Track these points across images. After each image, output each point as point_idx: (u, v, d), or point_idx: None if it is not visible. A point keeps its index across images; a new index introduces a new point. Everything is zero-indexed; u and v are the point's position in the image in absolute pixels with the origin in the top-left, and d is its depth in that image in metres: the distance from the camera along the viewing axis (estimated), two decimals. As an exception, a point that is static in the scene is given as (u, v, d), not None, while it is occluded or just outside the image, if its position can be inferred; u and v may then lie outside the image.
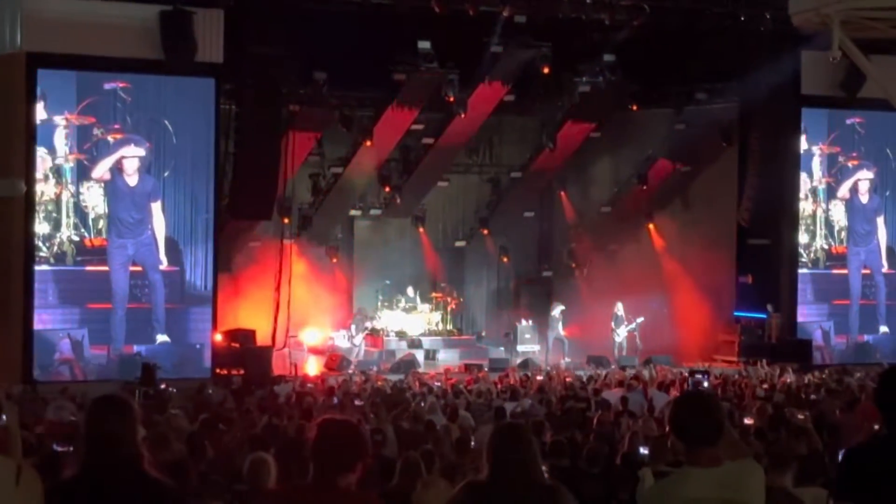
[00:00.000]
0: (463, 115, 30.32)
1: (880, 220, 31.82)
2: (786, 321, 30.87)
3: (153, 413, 16.12)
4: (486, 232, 34.68)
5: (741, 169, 31.63)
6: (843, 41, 15.79)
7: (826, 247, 31.42)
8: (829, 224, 31.47)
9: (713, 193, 32.76)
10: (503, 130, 34.46)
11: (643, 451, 11.90)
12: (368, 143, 30.52)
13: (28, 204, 24.69)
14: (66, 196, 25.38)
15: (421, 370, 27.49)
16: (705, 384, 19.59)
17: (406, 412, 16.49)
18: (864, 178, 31.62)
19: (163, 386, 22.33)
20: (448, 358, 30.49)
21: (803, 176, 31.12)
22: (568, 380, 23.81)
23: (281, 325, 29.45)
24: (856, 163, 31.53)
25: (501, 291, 35.51)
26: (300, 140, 29.27)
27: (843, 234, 31.61)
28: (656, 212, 34.24)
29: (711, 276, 31.98)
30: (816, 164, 31.29)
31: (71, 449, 10.62)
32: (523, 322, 32.45)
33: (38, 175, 25.08)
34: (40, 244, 25.15)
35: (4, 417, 5.53)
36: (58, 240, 25.33)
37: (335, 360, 28.88)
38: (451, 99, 29.88)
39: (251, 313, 29.00)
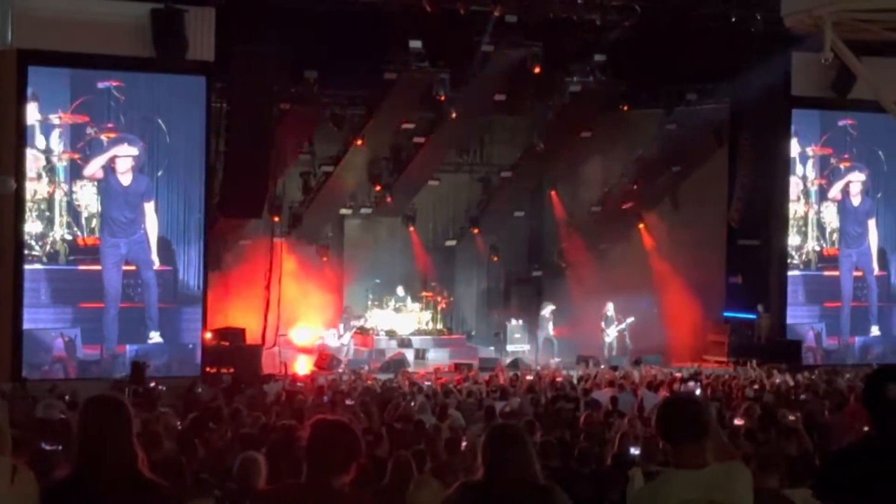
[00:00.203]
0: (454, 115, 30.29)
1: (872, 223, 31.84)
2: (775, 322, 30.91)
3: (142, 411, 16.12)
4: (476, 231, 34.67)
5: (731, 169, 31.67)
6: (835, 43, 15.81)
7: (818, 249, 31.45)
8: (820, 226, 31.50)
9: (703, 194, 32.79)
10: (494, 130, 34.46)
11: (633, 451, 11.92)
12: (359, 141, 30.50)
13: (18, 202, 24.61)
14: (59, 195, 25.32)
15: (411, 369, 27.48)
16: (697, 392, 19.64)
17: (396, 411, 16.49)
18: (855, 179, 31.65)
19: (152, 384, 22.32)
20: (438, 357, 30.47)
21: (795, 178, 31.16)
22: (558, 379, 23.82)
23: (271, 323, 29.43)
24: (848, 164, 31.56)
25: (491, 291, 35.51)
26: (291, 138, 29.25)
27: (835, 236, 31.65)
28: (646, 212, 34.27)
29: (701, 277, 32.02)
30: (808, 165, 31.32)
31: (60, 448, 10.62)
32: (513, 321, 32.45)
33: (32, 174, 25.02)
34: (33, 243, 25.08)
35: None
36: (50, 239, 25.27)
37: (325, 359, 28.86)
38: (443, 98, 29.87)
39: (241, 312, 28.97)
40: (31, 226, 25.09)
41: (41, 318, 25.20)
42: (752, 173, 30.79)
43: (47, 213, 25.29)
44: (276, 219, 30.59)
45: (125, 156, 25.69)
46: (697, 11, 28.35)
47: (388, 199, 32.73)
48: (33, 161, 25.03)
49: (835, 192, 31.56)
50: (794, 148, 30.97)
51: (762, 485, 8.85)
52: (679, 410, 5.61)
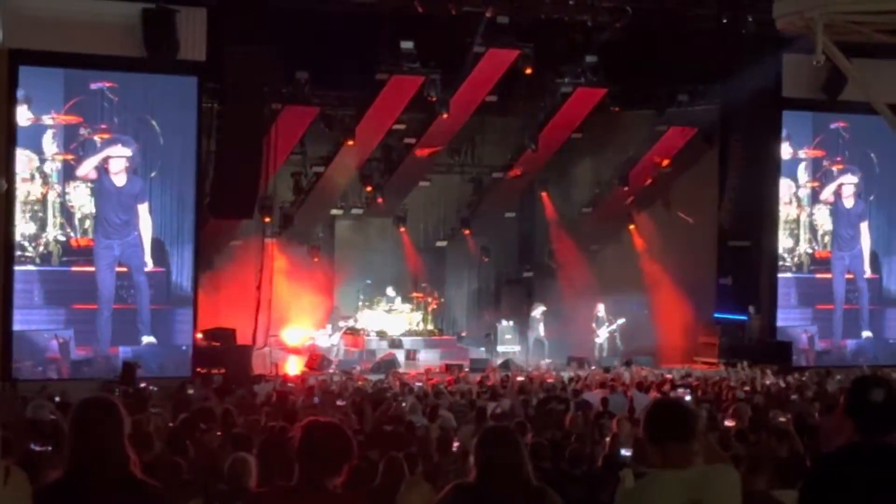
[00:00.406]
0: (445, 116, 30.29)
1: (864, 226, 31.88)
2: (766, 323, 30.95)
3: (133, 412, 16.10)
4: (467, 232, 34.66)
5: (722, 171, 31.70)
6: (827, 45, 15.82)
7: (810, 251, 31.50)
8: (813, 228, 31.54)
9: (694, 195, 32.85)
10: (485, 131, 34.45)
11: (624, 452, 11.92)
12: (350, 142, 30.45)
13: (8, 203, 24.56)
14: (52, 196, 25.31)
15: (402, 370, 27.48)
16: (688, 398, 19.63)
17: (387, 412, 16.48)
18: (848, 182, 31.69)
19: (143, 385, 22.29)
20: (429, 358, 30.45)
21: (788, 180, 31.19)
22: (549, 380, 23.83)
23: (262, 324, 29.40)
24: (840, 167, 31.61)
25: (482, 292, 35.51)
26: (282, 139, 29.19)
27: (827, 238, 31.69)
28: (637, 213, 34.31)
29: (692, 278, 32.07)
30: (801, 168, 31.36)
31: (49, 448, 10.59)
32: (504, 322, 32.47)
33: (25, 175, 25.01)
34: (26, 244, 25.05)
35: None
36: (43, 240, 25.23)
37: (316, 360, 28.85)
38: (434, 99, 29.86)
39: (232, 312, 28.94)
40: (25, 227, 25.08)
41: (34, 320, 25.19)
42: (742, 175, 30.82)
43: (40, 215, 25.27)
44: (267, 219, 30.57)
45: (118, 156, 25.68)
46: (689, 13, 28.39)
47: (379, 200, 32.74)
48: (26, 162, 25.01)
49: (827, 194, 31.61)
50: (787, 151, 31.01)
51: (751, 486, 8.87)
52: (665, 412, 5.62)
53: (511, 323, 32.42)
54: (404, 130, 31.69)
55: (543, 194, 35.07)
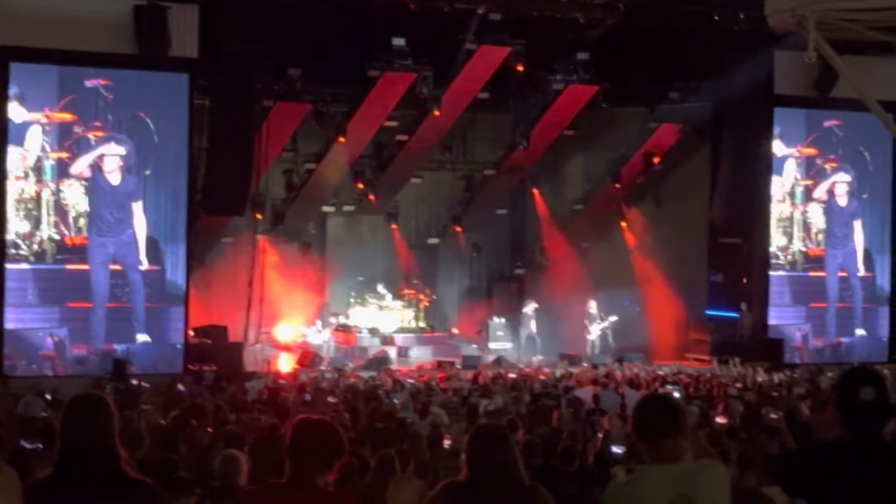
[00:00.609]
0: (437, 112, 30.28)
1: (857, 224, 31.86)
2: (757, 320, 30.96)
3: (124, 409, 16.07)
4: (458, 229, 34.65)
5: (713, 167, 31.71)
6: (819, 42, 15.83)
7: (803, 249, 31.51)
8: (806, 227, 31.55)
9: (686, 192, 32.87)
10: (477, 128, 34.44)
11: (615, 449, 11.95)
12: (342, 139, 30.42)
13: (-1, 201, 24.55)
14: (46, 194, 25.23)
15: (393, 367, 27.50)
16: (677, 395, 19.64)
17: (379, 409, 16.48)
18: (841, 180, 31.68)
19: (134, 381, 22.27)
20: (421, 355, 30.47)
21: (781, 178, 31.21)
22: (541, 377, 23.85)
23: (253, 321, 29.39)
24: (834, 165, 31.62)
25: (474, 288, 35.49)
26: (274, 136, 29.16)
27: (821, 236, 31.70)
28: (629, 210, 34.33)
29: (684, 275, 32.09)
30: (794, 166, 31.38)
31: (40, 446, 10.57)
32: (496, 319, 32.47)
33: (19, 173, 24.94)
34: (20, 242, 24.98)
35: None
36: (38, 238, 25.16)
37: (307, 357, 28.83)
38: (425, 96, 29.85)
39: (223, 309, 28.91)
40: (19, 225, 25.01)
41: (29, 318, 25.11)
42: (734, 171, 30.81)
43: (34, 213, 25.18)
44: (259, 216, 30.54)
45: (113, 154, 25.61)
46: (681, 10, 28.36)
47: (371, 197, 32.72)
48: (20, 160, 24.94)
49: (820, 192, 31.60)
50: (780, 149, 31.01)
51: (742, 483, 8.89)
52: (654, 407, 5.63)
53: (503, 320, 32.43)
54: (396, 127, 31.68)
55: (535, 191, 35.07)
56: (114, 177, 25.67)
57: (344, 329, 31.37)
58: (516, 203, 35.88)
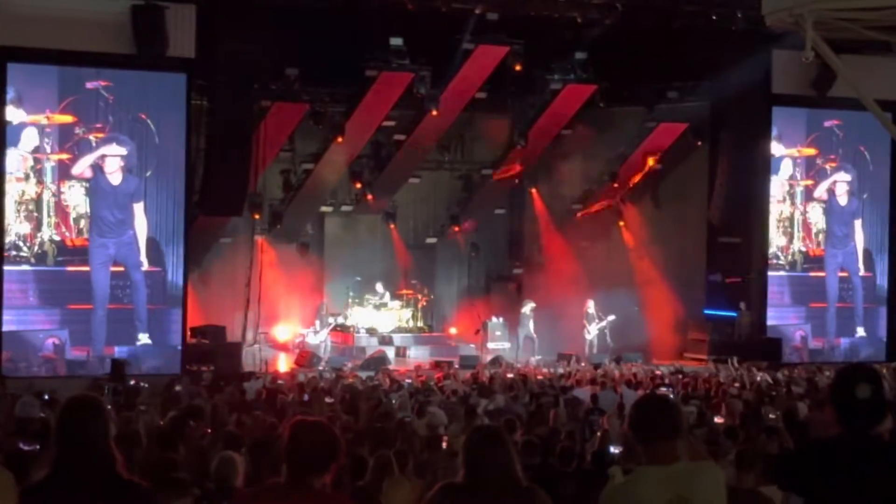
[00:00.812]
0: (434, 112, 30.27)
1: (858, 223, 31.86)
2: (756, 319, 30.96)
3: (122, 410, 16.06)
4: (457, 229, 34.64)
5: (712, 167, 31.70)
6: (816, 42, 15.83)
7: (803, 249, 31.49)
8: (806, 227, 31.53)
9: (684, 191, 32.87)
10: (475, 127, 34.42)
11: (613, 449, 11.94)
12: (340, 139, 30.41)
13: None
14: (47, 195, 25.20)
15: (392, 367, 27.48)
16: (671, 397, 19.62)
17: (377, 409, 16.47)
18: (841, 180, 31.67)
19: (132, 382, 22.25)
20: (419, 355, 30.47)
21: (781, 178, 31.19)
22: (539, 377, 23.84)
23: (251, 321, 29.39)
24: (834, 165, 31.61)
25: (472, 288, 35.46)
26: (271, 136, 29.16)
27: (821, 236, 31.69)
28: (627, 209, 34.32)
29: (682, 275, 32.10)
30: (794, 166, 31.37)
31: (38, 447, 10.56)
32: (494, 319, 32.44)
33: (19, 174, 24.92)
34: (20, 244, 24.94)
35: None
36: (38, 239, 25.13)
37: (305, 357, 28.82)
38: (423, 95, 29.84)
39: (222, 309, 28.90)
40: (19, 227, 24.98)
41: (29, 320, 25.10)
42: (732, 171, 30.81)
43: (35, 214, 25.15)
44: (257, 216, 30.56)
45: (114, 155, 25.58)
46: (678, 9, 28.36)
47: (369, 197, 32.71)
48: (21, 161, 24.92)
49: (820, 191, 31.59)
50: (780, 149, 31.01)
51: (740, 483, 8.89)
52: (650, 408, 5.63)
53: (501, 320, 32.38)
54: (394, 127, 31.66)
55: (533, 191, 35.06)
56: (115, 177, 25.65)
57: (342, 329, 31.34)
58: (514, 203, 35.85)
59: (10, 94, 24.63)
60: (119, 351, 25.33)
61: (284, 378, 24.50)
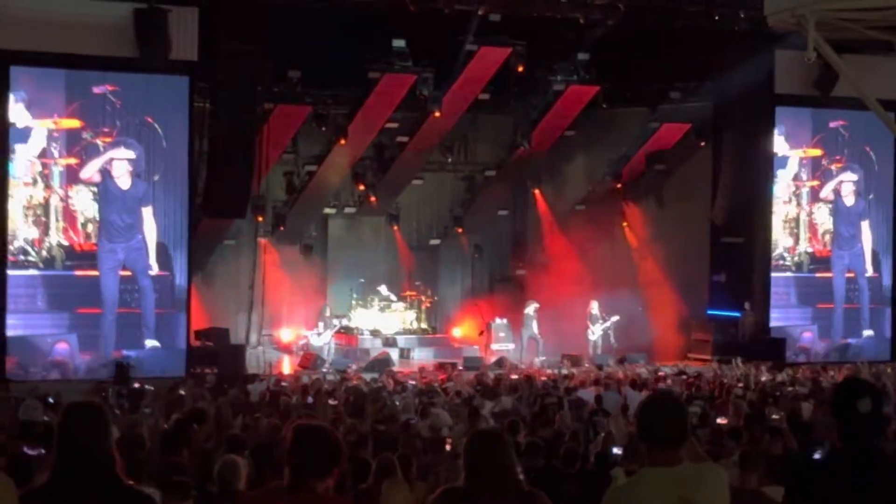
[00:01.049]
0: (437, 114, 30.27)
1: (865, 224, 31.80)
2: (759, 319, 30.93)
3: (126, 412, 16.08)
4: (460, 230, 34.64)
5: (715, 167, 31.70)
6: (819, 42, 15.82)
7: (810, 250, 31.45)
8: (812, 227, 31.49)
9: (688, 192, 32.85)
10: (478, 129, 34.42)
11: (616, 450, 11.92)
12: (343, 141, 30.41)
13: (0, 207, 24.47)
14: (54, 200, 25.18)
15: (395, 368, 27.47)
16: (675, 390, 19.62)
17: (381, 411, 16.47)
18: (847, 180, 31.63)
19: (136, 385, 22.24)
20: (423, 356, 30.45)
21: (787, 179, 31.16)
22: (543, 378, 23.82)
23: (255, 323, 29.39)
24: (840, 165, 31.58)
25: (476, 290, 35.46)
26: (274, 138, 29.17)
27: (828, 237, 31.65)
28: (630, 210, 34.32)
29: (686, 275, 32.07)
30: (800, 166, 31.33)
31: (42, 451, 10.55)
32: (497, 320, 32.41)
33: (27, 179, 24.91)
34: (28, 248, 24.93)
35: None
36: (46, 244, 25.11)
37: (309, 359, 28.81)
38: (426, 97, 29.84)
39: (225, 312, 28.91)
40: (27, 231, 24.97)
41: (38, 325, 25.07)
42: (735, 171, 30.80)
43: (43, 219, 25.14)
44: (260, 219, 30.56)
45: (122, 159, 25.56)
46: (681, 10, 28.35)
47: (372, 199, 32.70)
48: (28, 166, 24.91)
49: (826, 192, 31.56)
50: (786, 149, 30.99)
51: (744, 483, 8.89)
52: (659, 409, 5.59)
53: (504, 321, 32.36)
54: (397, 129, 31.66)
55: (536, 192, 35.07)
56: (123, 181, 25.63)
57: (345, 331, 31.33)
58: (517, 204, 35.85)
59: (20, 97, 24.61)
60: (127, 355, 25.28)
61: (288, 380, 24.49)
